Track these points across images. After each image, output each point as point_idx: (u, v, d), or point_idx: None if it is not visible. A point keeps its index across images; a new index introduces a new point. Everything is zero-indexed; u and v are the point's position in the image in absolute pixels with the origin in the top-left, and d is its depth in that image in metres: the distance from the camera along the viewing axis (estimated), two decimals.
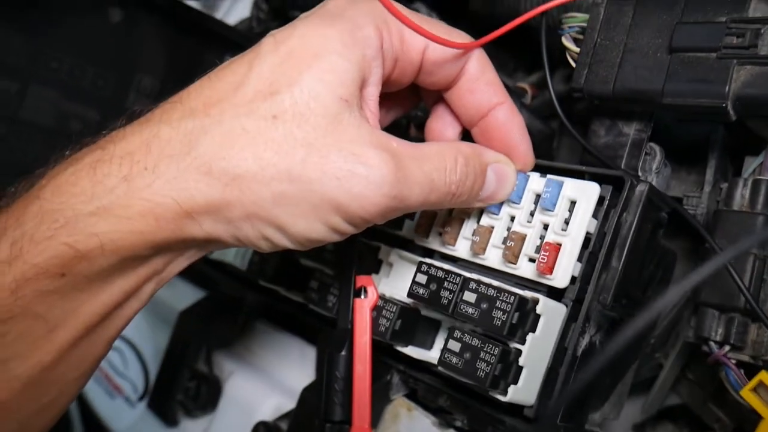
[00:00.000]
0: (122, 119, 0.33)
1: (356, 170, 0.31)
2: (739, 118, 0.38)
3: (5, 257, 0.30)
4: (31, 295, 0.30)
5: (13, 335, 0.31)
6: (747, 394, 0.34)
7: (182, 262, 0.35)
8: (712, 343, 0.38)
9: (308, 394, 0.47)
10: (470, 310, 0.37)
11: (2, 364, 0.31)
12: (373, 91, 0.35)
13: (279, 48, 0.32)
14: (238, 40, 0.63)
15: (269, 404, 0.52)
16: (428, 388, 0.43)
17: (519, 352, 0.36)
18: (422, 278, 0.39)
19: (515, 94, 0.55)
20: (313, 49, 0.32)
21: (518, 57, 0.68)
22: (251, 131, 0.31)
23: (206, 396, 0.54)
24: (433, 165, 0.34)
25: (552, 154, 0.55)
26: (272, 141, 0.30)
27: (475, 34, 0.63)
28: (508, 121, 0.39)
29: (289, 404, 0.51)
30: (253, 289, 0.54)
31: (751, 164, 0.40)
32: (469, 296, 0.37)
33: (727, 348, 0.38)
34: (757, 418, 0.34)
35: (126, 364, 0.66)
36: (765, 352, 0.38)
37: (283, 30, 0.33)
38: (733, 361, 0.37)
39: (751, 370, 0.37)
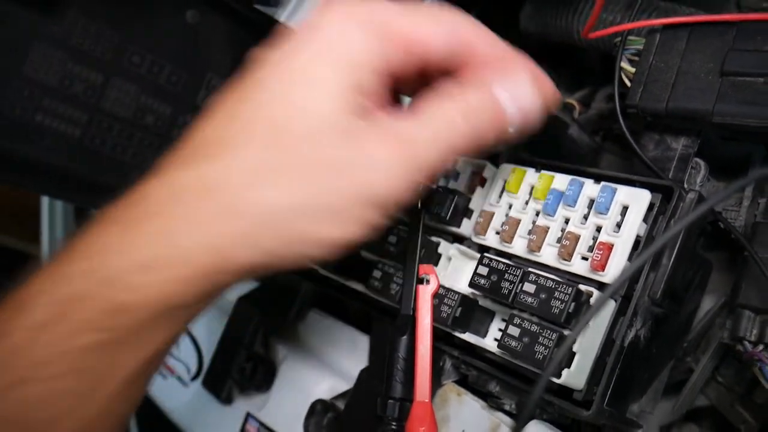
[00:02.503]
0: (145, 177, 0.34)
1: (370, 166, 0.32)
2: None
3: (51, 317, 0.31)
4: (76, 352, 0.31)
5: (58, 393, 0.31)
6: None
7: (219, 293, 0.35)
8: (746, 343, 0.42)
9: (366, 375, 0.50)
10: (529, 300, 0.40)
11: (48, 425, 0.31)
12: (373, 90, 0.34)
13: (274, 72, 0.33)
14: None
15: (324, 385, 0.55)
16: (479, 374, 0.47)
17: (572, 339, 0.40)
18: (483, 270, 0.43)
19: (567, 109, 0.59)
20: (308, 71, 0.33)
21: (560, 75, 0.72)
22: (271, 162, 0.32)
23: (262, 375, 0.58)
24: (438, 124, 0.34)
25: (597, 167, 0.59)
26: (292, 167, 0.32)
27: (525, 52, 0.68)
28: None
29: (343, 386, 0.54)
30: (310, 278, 0.58)
31: None
32: (529, 287, 0.41)
33: (761, 347, 0.41)
34: None
35: (179, 348, 0.69)
36: None
37: (272, 52, 0.34)
38: None
39: None
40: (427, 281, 0.45)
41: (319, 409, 0.52)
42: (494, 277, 0.43)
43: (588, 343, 0.40)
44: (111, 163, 0.64)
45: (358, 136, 0.33)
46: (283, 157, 0.32)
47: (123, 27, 0.60)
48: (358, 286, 0.53)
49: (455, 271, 0.48)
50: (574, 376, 0.40)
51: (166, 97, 0.65)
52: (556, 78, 0.72)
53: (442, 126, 0.34)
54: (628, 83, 0.46)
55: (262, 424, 0.58)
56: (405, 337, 0.44)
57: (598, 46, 0.55)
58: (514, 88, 0.35)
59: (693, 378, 0.51)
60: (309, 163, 0.32)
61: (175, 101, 0.66)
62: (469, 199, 0.49)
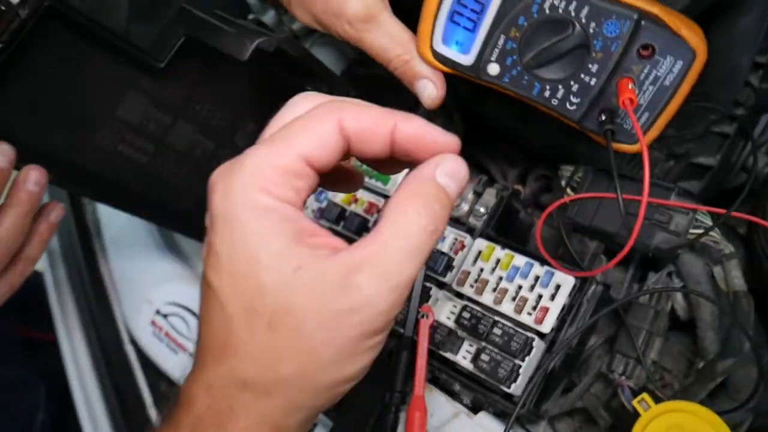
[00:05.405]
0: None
1: (364, 305, 0.36)
2: None
3: None
4: None
5: None
6: (635, 404, 0.63)
7: None
8: (615, 374, 0.68)
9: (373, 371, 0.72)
10: (497, 339, 0.64)
11: None
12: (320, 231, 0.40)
13: (223, 265, 0.37)
14: (331, 81, 0.83)
15: None
16: (447, 378, 0.70)
17: (520, 366, 0.64)
18: (467, 314, 0.67)
19: (515, 195, 0.83)
20: (254, 248, 0.36)
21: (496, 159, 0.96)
22: (280, 341, 0.35)
23: None
24: (407, 241, 0.37)
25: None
26: (283, 348, 0.35)
27: None
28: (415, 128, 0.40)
29: None
30: None
31: None
32: (497, 330, 0.65)
33: (624, 378, 0.68)
34: (636, 418, 0.63)
35: (190, 329, 0.87)
36: (643, 383, 0.68)
37: (215, 233, 0.38)
38: (628, 385, 0.67)
39: (634, 392, 0.68)
40: (426, 316, 0.68)
41: None
42: (474, 321, 0.66)
43: (527, 368, 0.65)
44: (165, 185, 0.80)
45: (347, 283, 0.35)
46: (275, 339, 0.35)
47: (197, 85, 0.76)
48: None
49: (442, 308, 0.71)
50: (518, 387, 0.64)
51: (213, 135, 0.82)
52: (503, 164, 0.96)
53: (411, 242, 0.37)
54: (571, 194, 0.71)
55: None
56: (406, 352, 0.67)
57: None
58: (452, 172, 0.39)
59: (577, 390, 0.77)
60: (298, 339, 0.35)
61: (218, 138, 0.83)
62: (453, 259, 0.72)
